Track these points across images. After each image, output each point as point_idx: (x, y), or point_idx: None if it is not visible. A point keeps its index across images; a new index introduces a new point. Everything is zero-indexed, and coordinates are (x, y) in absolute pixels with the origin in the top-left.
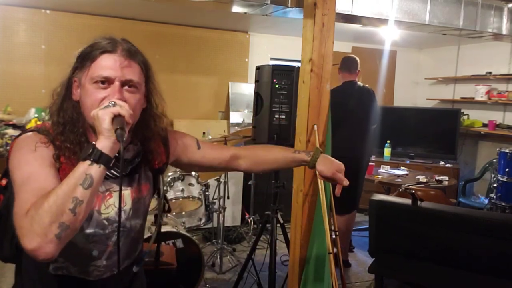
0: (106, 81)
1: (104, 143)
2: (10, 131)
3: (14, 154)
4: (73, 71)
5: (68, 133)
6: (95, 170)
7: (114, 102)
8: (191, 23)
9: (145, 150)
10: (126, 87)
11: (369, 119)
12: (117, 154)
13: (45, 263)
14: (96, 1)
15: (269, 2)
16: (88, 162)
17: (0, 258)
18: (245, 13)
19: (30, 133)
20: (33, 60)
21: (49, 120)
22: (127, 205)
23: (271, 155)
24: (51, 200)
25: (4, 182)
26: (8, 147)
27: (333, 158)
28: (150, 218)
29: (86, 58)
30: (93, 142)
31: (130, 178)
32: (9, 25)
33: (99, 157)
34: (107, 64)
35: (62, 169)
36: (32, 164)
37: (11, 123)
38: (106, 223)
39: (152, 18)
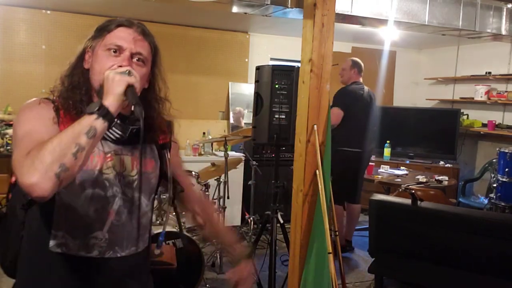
0: (118, 50)
1: (111, 103)
2: (11, 131)
3: (16, 118)
4: (87, 41)
5: (71, 93)
6: (100, 124)
7: (130, 71)
8: (191, 23)
9: (147, 123)
10: (135, 60)
11: (372, 119)
12: (118, 121)
13: (43, 242)
14: (96, 1)
15: (269, 2)
16: (94, 116)
17: (4, 267)
18: (245, 13)
19: (32, 99)
20: (34, 60)
21: (58, 88)
22: (129, 171)
23: (220, 230)
24: (55, 142)
25: (13, 179)
26: (8, 147)
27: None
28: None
29: (103, 30)
30: (100, 100)
31: (132, 146)
32: (9, 25)
33: (105, 114)
34: (122, 35)
35: (61, 123)
36: (32, 122)
37: (11, 123)
38: (107, 184)
39: (152, 18)
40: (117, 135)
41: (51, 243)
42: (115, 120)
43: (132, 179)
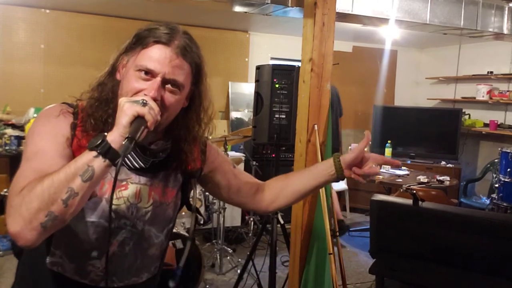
0: (149, 73)
1: (115, 138)
2: (9, 131)
3: (33, 124)
4: (125, 49)
5: (98, 109)
6: (99, 163)
7: (146, 101)
8: (191, 22)
9: (177, 149)
10: (169, 86)
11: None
12: (136, 146)
13: (43, 254)
14: (96, 0)
15: (269, 1)
16: (94, 153)
17: (15, 251)
18: (245, 12)
19: (55, 104)
20: (33, 60)
21: (86, 95)
22: (144, 203)
23: (296, 182)
24: (45, 185)
25: None
26: (7, 147)
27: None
28: None
29: (139, 42)
30: (105, 134)
31: (153, 174)
32: (8, 25)
33: (106, 151)
34: (156, 56)
35: (75, 146)
36: (43, 138)
37: (10, 123)
38: (113, 215)
39: (153, 18)
40: (136, 165)
41: (48, 259)
42: (121, 156)
43: (145, 211)
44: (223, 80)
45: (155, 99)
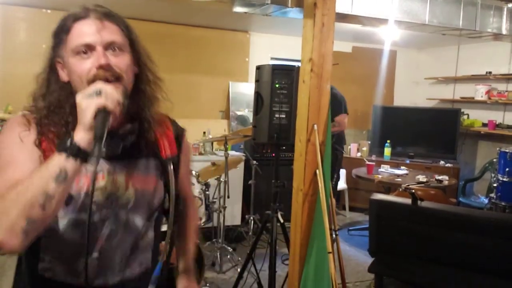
0: (88, 49)
1: (82, 137)
2: None
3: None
4: (52, 51)
5: (53, 115)
6: (71, 164)
7: (99, 90)
8: (191, 22)
9: (144, 130)
10: (110, 51)
11: None
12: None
13: (34, 263)
14: (96, 1)
15: (269, 2)
16: (64, 155)
17: None
18: (246, 12)
19: (19, 115)
20: (34, 60)
21: (32, 107)
22: (123, 191)
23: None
24: (20, 192)
25: None
26: None
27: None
28: None
29: (60, 33)
30: (72, 134)
31: (128, 161)
32: (10, 25)
33: (76, 152)
34: (84, 30)
35: (45, 156)
36: (13, 147)
37: None
38: (94, 208)
39: (152, 18)
40: (109, 153)
41: (40, 266)
42: (91, 154)
43: (127, 200)
44: (223, 80)
45: (106, 65)
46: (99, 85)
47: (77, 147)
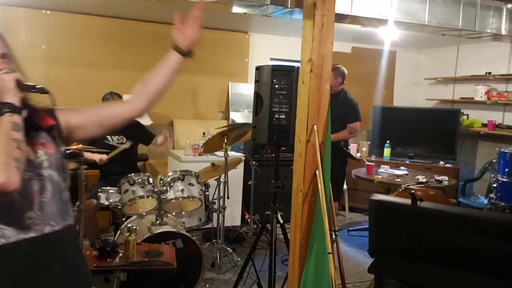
0: None
1: (14, 98)
2: None
3: None
4: None
5: None
6: (17, 117)
7: (11, 69)
8: None
9: (32, 112)
10: (5, 60)
11: None
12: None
13: None
14: (96, 1)
15: (269, 2)
16: (8, 114)
17: None
18: (245, 13)
19: None
20: (33, 60)
21: None
22: (32, 155)
23: (157, 78)
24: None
25: None
26: None
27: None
28: (151, 218)
29: None
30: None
31: (26, 132)
32: (9, 26)
33: (15, 108)
34: None
35: None
36: None
37: None
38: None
39: (152, 18)
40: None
41: None
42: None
43: (40, 161)
44: (223, 81)
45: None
46: (8, 67)
47: (13, 105)
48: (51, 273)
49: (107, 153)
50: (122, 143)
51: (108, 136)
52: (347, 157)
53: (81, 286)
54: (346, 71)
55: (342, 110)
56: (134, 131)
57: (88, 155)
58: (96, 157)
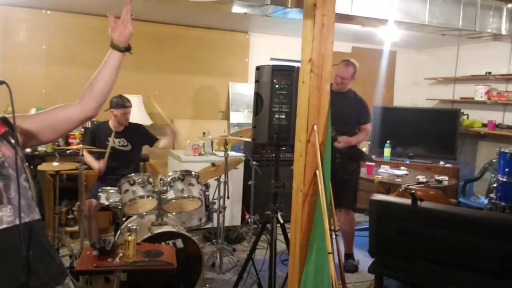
0: None
1: None
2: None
3: None
4: None
5: None
6: None
7: None
8: (191, 23)
9: None
10: None
11: None
12: None
13: None
14: (96, 1)
15: (269, 2)
16: None
17: None
18: (245, 13)
19: None
20: (34, 60)
21: None
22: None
23: (100, 78)
24: None
25: None
26: None
27: None
28: (152, 218)
29: None
30: None
31: None
32: (10, 26)
33: None
34: None
35: None
36: None
37: None
38: None
39: (152, 18)
40: None
41: None
42: None
43: (1, 161)
44: (223, 81)
45: None
46: None
47: None
48: (28, 260)
49: (105, 154)
50: (124, 146)
51: (109, 139)
52: (367, 160)
53: (58, 273)
54: (357, 64)
55: (356, 109)
56: (136, 134)
57: (87, 161)
58: (95, 167)
